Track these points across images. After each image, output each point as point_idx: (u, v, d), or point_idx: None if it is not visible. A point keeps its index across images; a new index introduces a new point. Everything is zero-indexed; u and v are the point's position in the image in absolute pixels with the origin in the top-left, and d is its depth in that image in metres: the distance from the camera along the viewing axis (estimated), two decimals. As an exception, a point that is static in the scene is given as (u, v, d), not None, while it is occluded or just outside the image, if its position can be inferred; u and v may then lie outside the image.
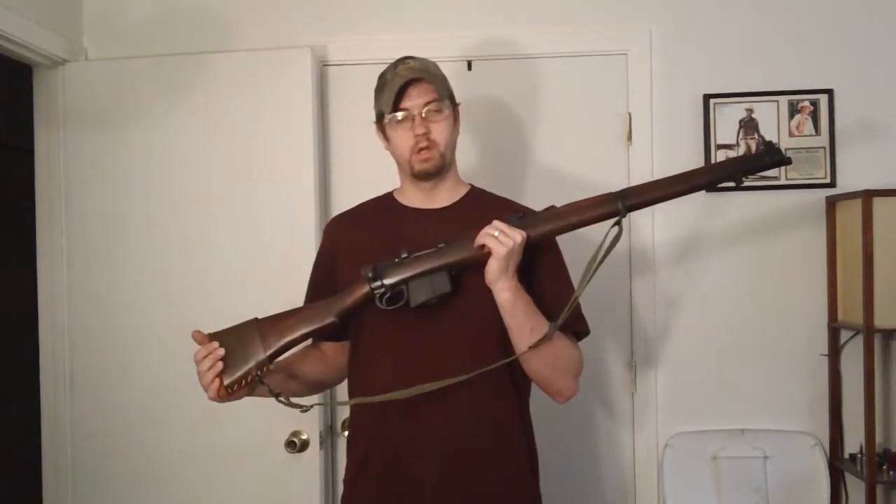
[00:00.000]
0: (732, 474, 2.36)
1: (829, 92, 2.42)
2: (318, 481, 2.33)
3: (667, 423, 2.45)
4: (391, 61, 1.64)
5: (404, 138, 1.59)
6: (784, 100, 2.43)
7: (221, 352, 1.49)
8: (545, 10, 2.49)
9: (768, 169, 1.56)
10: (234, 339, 1.52)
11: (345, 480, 1.69)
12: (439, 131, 1.58)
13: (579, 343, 1.66)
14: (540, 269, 1.59)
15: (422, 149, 1.57)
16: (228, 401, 1.52)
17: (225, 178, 2.40)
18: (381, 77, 1.62)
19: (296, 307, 1.59)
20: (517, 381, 1.60)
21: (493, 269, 1.47)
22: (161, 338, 2.40)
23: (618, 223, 1.52)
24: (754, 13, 2.45)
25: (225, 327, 1.55)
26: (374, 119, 1.65)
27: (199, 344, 1.51)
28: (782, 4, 2.45)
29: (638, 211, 2.36)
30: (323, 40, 2.48)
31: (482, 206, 1.65)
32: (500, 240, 1.45)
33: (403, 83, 1.55)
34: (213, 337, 1.52)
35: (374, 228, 1.67)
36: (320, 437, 2.33)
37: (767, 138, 2.42)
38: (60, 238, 2.48)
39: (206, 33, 2.52)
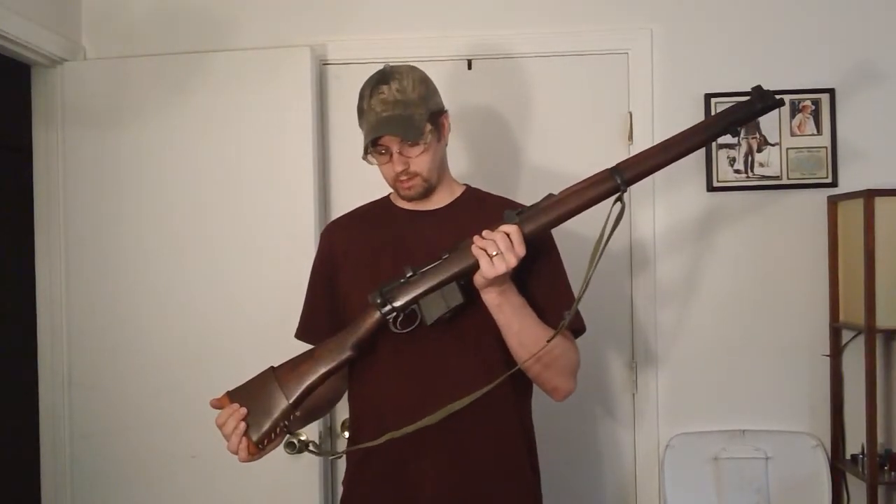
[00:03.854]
0: (733, 475, 2.36)
1: (831, 91, 2.41)
2: (317, 482, 2.33)
3: (668, 424, 2.44)
4: (390, 61, 1.63)
5: (386, 170, 1.59)
6: (785, 99, 2.41)
7: (243, 411, 1.45)
8: (546, 9, 2.47)
9: (762, 115, 1.49)
10: (253, 394, 1.47)
11: (344, 482, 1.69)
12: (419, 163, 1.56)
13: (577, 340, 1.64)
14: (536, 270, 1.57)
15: (403, 180, 1.57)
16: (259, 458, 1.48)
17: (224, 176, 2.39)
18: (360, 99, 1.58)
19: (308, 349, 1.55)
20: (516, 381, 1.58)
21: (479, 282, 1.47)
22: (160, 337, 2.39)
23: (619, 199, 1.47)
24: (755, 12, 2.44)
25: (241, 383, 1.50)
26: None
27: (219, 408, 1.47)
28: (783, 4, 2.44)
29: (638, 211, 2.42)
30: (322, 39, 2.47)
31: (478, 205, 1.64)
32: (495, 263, 1.42)
33: (374, 136, 1.52)
34: (231, 396, 1.48)
35: (373, 231, 1.66)
36: (319, 438, 2.32)
37: (769, 139, 2.42)
38: (58, 237, 2.47)
39: (205, 32, 2.51)
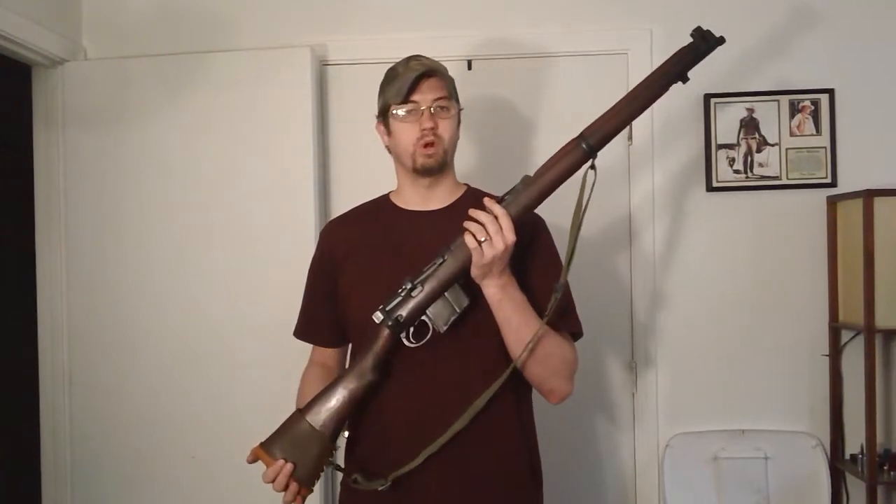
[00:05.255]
0: (733, 475, 2.36)
1: (830, 91, 2.41)
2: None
3: (667, 424, 2.44)
4: (390, 61, 1.63)
5: (409, 132, 1.57)
6: (785, 99, 2.42)
7: (290, 467, 1.46)
8: (545, 10, 2.48)
9: (706, 55, 1.50)
10: (292, 443, 1.47)
11: (342, 483, 1.68)
12: (445, 128, 1.57)
13: (576, 343, 1.63)
14: (530, 261, 1.56)
15: (427, 143, 1.56)
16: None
17: (224, 177, 2.40)
18: (392, 70, 1.60)
19: (329, 384, 1.53)
20: (516, 384, 1.57)
21: (475, 274, 1.46)
22: (160, 337, 2.40)
23: (592, 166, 1.49)
24: (755, 12, 2.44)
25: (273, 432, 1.50)
26: (376, 113, 1.64)
27: (253, 461, 1.49)
28: (783, 4, 2.44)
29: (639, 210, 2.43)
30: (323, 39, 2.48)
31: (478, 206, 1.63)
32: (484, 249, 1.42)
33: (417, 75, 1.54)
34: (266, 448, 1.48)
35: (373, 231, 1.65)
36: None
37: (769, 139, 2.42)
38: (59, 237, 2.47)
39: (206, 32, 2.51)
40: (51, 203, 2.49)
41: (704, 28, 1.50)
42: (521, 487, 1.60)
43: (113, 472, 2.43)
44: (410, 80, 1.54)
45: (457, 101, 1.63)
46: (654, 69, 1.51)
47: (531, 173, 1.50)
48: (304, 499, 1.49)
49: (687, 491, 2.37)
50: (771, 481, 2.36)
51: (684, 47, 1.50)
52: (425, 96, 1.55)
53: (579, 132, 1.49)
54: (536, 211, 1.51)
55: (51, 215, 2.49)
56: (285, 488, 1.47)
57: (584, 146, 1.48)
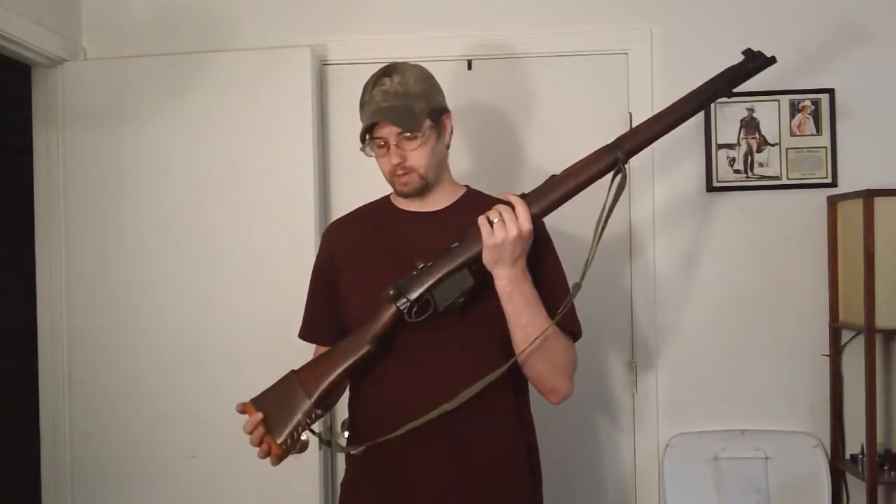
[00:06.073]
0: (733, 475, 2.36)
1: (831, 91, 2.41)
2: (317, 482, 2.33)
3: (667, 424, 2.44)
4: (390, 61, 1.63)
5: (384, 163, 1.59)
6: (785, 99, 2.42)
7: (259, 416, 1.49)
8: (546, 10, 2.48)
9: (755, 74, 1.52)
10: (276, 398, 1.51)
11: (342, 484, 1.69)
12: (416, 157, 1.57)
13: (575, 344, 1.64)
14: (536, 264, 1.57)
15: (399, 174, 1.57)
16: (287, 456, 1.52)
17: (223, 177, 2.40)
18: (363, 92, 1.60)
19: (327, 349, 1.56)
20: (516, 379, 1.58)
21: (486, 259, 1.46)
22: (160, 337, 2.40)
23: (620, 171, 1.49)
24: (755, 12, 2.44)
25: (265, 388, 1.53)
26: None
27: (243, 413, 1.51)
28: (783, 4, 2.44)
29: (638, 211, 2.43)
30: (323, 39, 2.48)
31: (479, 206, 1.63)
32: (495, 230, 1.43)
33: (371, 122, 1.54)
34: (255, 402, 1.51)
35: (373, 233, 1.66)
36: (320, 439, 2.32)
37: (769, 139, 2.42)
38: (59, 237, 2.47)
39: (205, 32, 2.51)
40: (51, 203, 2.49)
41: (757, 49, 1.52)
42: (521, 487, 1.61)
43: (113, 471, 2.42)
44: (368, 122, 1.54)
45: (433, 115, 1.58)
46: (700, 84, 1.52)
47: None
48: (277, 458, 1.50)
49: (687, 491, 2.37)
50: (771, 481, 2.36)
51: (734, 66, 1.51)
52: (389, 130, 1.55)
53: (613, 139, 1.52)
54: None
55: (50, 215, 2.49)
56: (260, 442, 1.49)
57: (618, 154, 1.49)
